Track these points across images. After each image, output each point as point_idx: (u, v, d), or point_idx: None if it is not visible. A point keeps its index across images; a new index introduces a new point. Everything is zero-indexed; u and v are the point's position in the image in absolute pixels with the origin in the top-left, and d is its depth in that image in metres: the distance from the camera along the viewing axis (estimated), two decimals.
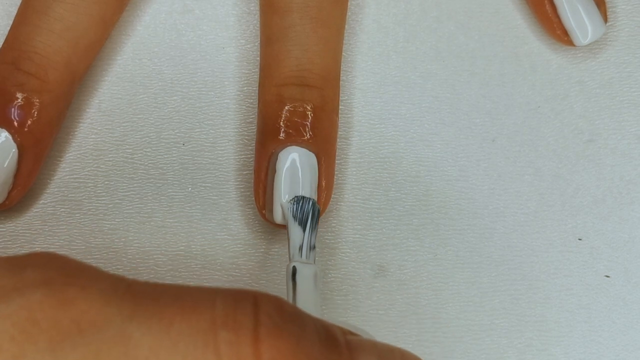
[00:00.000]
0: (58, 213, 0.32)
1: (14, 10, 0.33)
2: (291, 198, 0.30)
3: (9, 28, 0.33)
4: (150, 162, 0.33)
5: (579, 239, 0.33)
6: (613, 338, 0.32)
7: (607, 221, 0.33)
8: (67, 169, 0.33)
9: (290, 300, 0.26)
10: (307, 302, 0.26)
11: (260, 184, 0.30)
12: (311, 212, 0.29)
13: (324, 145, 0.31)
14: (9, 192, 0.30)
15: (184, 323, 0.18)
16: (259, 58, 0.34)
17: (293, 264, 0.27)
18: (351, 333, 0.20)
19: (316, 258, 0.29)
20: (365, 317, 0.31)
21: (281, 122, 0.30)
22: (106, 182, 0.32)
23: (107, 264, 0.31)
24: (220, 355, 0.17)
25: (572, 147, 0.33)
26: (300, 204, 0.29)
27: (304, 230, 0.29)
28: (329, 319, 0.20)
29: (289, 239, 0.29)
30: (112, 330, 0.17)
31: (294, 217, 0.29)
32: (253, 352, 0.17)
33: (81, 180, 0.32)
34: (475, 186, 0.33)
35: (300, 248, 0.28)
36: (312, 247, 0.29)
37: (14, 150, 0.30)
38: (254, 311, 0.18)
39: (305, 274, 0.27)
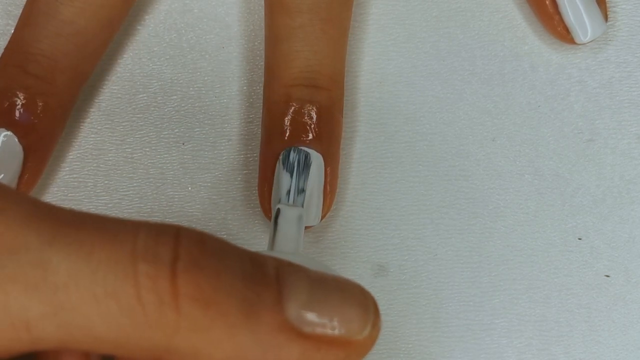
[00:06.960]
0: None
1: (13, 10, 0.33)
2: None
3: (8, 27, 0.33)
4: (150, 161, 0.33)
5: (579, 239, 0.33)
6: (613, 337, 0.32)
7: (607, 221, 0.33)
8: (67, 169, 0.32)
9: (269, 242, 0.26)
10: (287, 243, 0.26)
11: (266, 182, 0.30)
12: (297, 159, 0.30)
13: (329, 146, 0.31)
14: None
15: (104, 252, 0.17)
16: (259, 57, 0.34)
17: (278, 206, 0.27)
18: (291, 265, 0.19)
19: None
20: None
21: (289, 123, 0.30)
22: (106, 182, 0.32)
23: None
24: (139, 287, 0.17)
25: (572, 147, 0.33)
26: (290, 154, 0.30)
27: (292, 176, 0.29)
28: None
29: (278, 187, 0.29)
30: (30, 255, 0.17)
31: (284, 165, 0.30)
32: (170, 286, 0.17)
33: (81, 180, 0.32)
34: (475, 186, 0.33)
35: (288, 192, 0.29)
36: (300, 191, 0.29)
37: (19, 152, 0.30)
38: (174, 245, 0.17)
39: (288, 216, 0.27)
